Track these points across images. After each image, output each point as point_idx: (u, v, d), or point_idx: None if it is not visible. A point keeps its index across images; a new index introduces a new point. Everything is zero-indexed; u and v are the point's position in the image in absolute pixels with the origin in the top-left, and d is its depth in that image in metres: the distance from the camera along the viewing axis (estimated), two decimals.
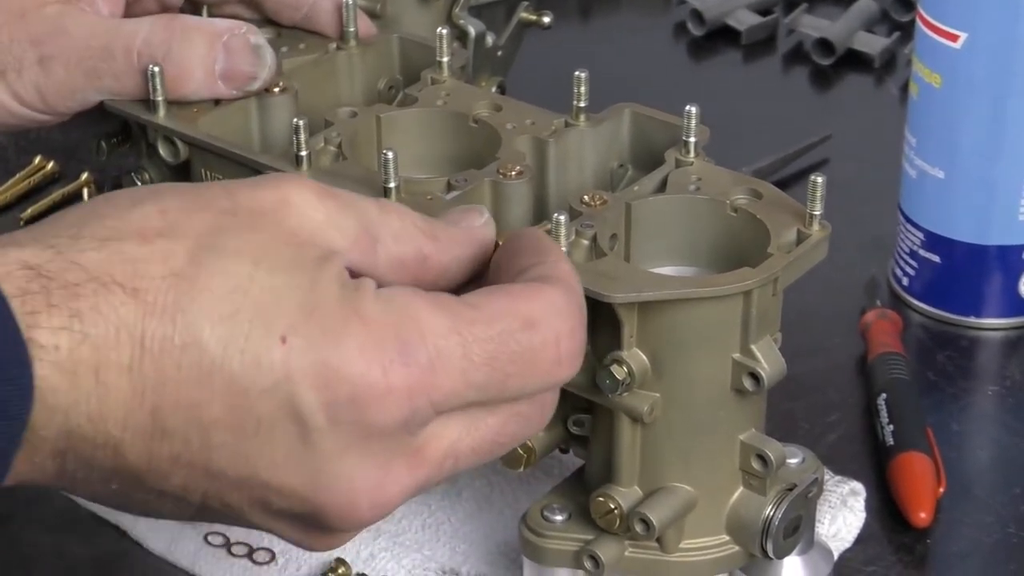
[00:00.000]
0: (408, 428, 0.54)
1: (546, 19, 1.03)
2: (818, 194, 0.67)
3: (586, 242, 0.66)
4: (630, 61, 1.16)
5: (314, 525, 0.55)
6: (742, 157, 1.00)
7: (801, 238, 0.67)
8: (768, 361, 0.66)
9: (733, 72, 1.16)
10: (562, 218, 0.64)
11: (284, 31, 0.81)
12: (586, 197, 0.69)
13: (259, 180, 0.56)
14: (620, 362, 0.65)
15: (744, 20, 1.18)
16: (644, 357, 0.65)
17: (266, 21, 0.82)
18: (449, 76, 0.77)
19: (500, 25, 1.06)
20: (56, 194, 1.00)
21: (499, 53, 1.02)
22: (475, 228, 0.60)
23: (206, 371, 0.51)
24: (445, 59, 0.77)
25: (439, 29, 0.78)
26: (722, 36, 1.18)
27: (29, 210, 0.99)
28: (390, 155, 0.67)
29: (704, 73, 1.17)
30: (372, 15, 0.84)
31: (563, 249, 0.62)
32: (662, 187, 0.70)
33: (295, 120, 0.70)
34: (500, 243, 0.61)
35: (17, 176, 1.02)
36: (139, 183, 0.77)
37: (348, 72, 0.79)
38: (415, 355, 0.53)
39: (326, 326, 0.52)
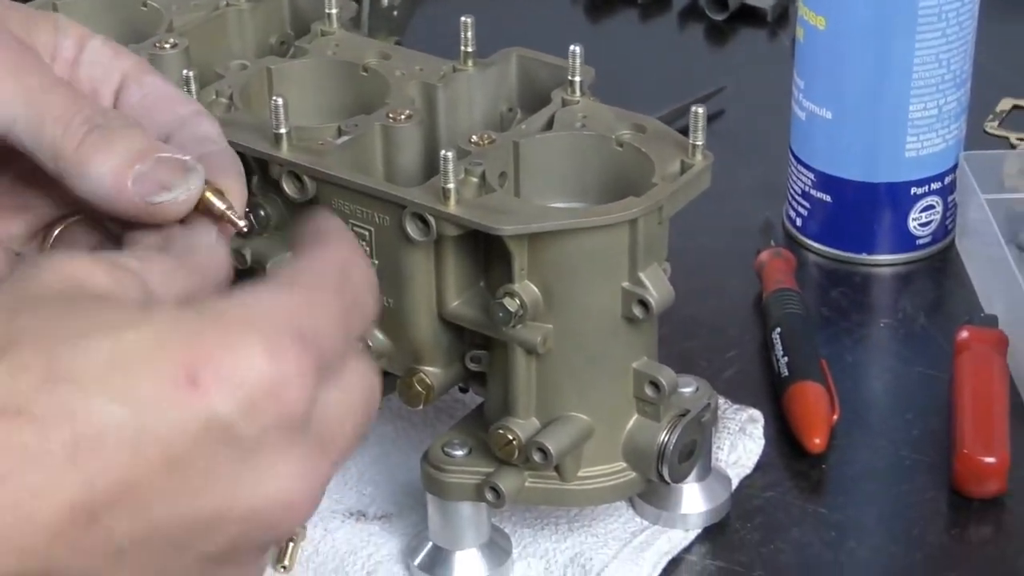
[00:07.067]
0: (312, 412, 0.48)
1: None
2: (699, 124, 0.68)
3: (475, 180, 0.68)
4: (526, 21, 1.17)
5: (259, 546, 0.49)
6: (639, 110, 1.01)
7: (685, 168, 0.68)
8: (656, 288, 0.67)
9: (630, 31, 1.18)
10: (450, 155, 0.66)
11: None
12: (474, 137, 0.70)
13: (39, 268, 0.48)
14: (512, 295, 0.66)
15: None
16: (536, 289, 0.67)
17: None
18: (339, 28, 0.78)
19: None
20: None
21: (395, 13, 1.03)
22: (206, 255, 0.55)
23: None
24: (334, 11, 0.78)
25: None
26: None
27: None
28: (280, 101, 0.68)
29: (602, 33, 1.19)
30: None
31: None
32: (549, 126, 0.72)
33: (184, 71, 0.71)
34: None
35: None
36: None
37: (239, 28, 0.80)
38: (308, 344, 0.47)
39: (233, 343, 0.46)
